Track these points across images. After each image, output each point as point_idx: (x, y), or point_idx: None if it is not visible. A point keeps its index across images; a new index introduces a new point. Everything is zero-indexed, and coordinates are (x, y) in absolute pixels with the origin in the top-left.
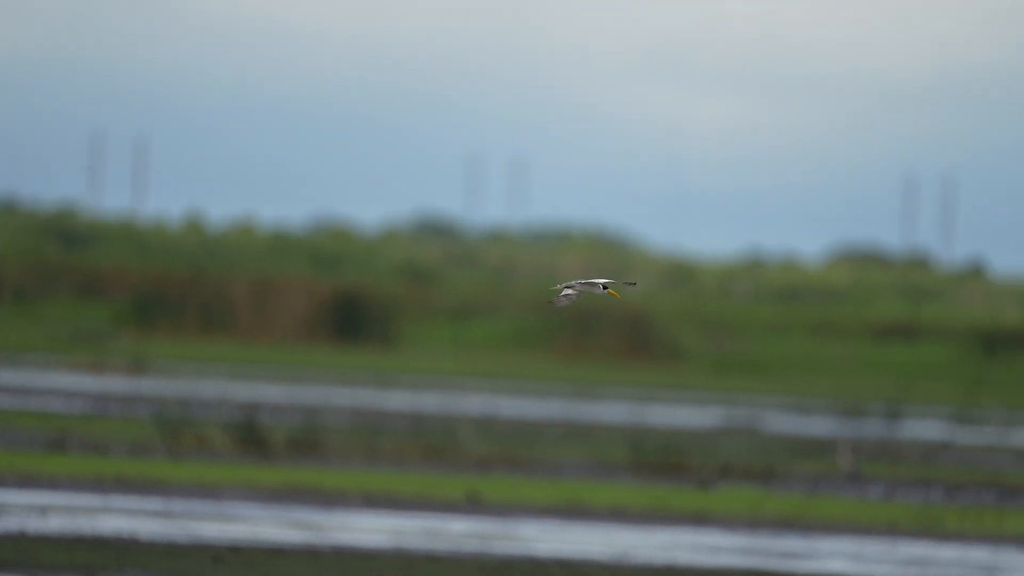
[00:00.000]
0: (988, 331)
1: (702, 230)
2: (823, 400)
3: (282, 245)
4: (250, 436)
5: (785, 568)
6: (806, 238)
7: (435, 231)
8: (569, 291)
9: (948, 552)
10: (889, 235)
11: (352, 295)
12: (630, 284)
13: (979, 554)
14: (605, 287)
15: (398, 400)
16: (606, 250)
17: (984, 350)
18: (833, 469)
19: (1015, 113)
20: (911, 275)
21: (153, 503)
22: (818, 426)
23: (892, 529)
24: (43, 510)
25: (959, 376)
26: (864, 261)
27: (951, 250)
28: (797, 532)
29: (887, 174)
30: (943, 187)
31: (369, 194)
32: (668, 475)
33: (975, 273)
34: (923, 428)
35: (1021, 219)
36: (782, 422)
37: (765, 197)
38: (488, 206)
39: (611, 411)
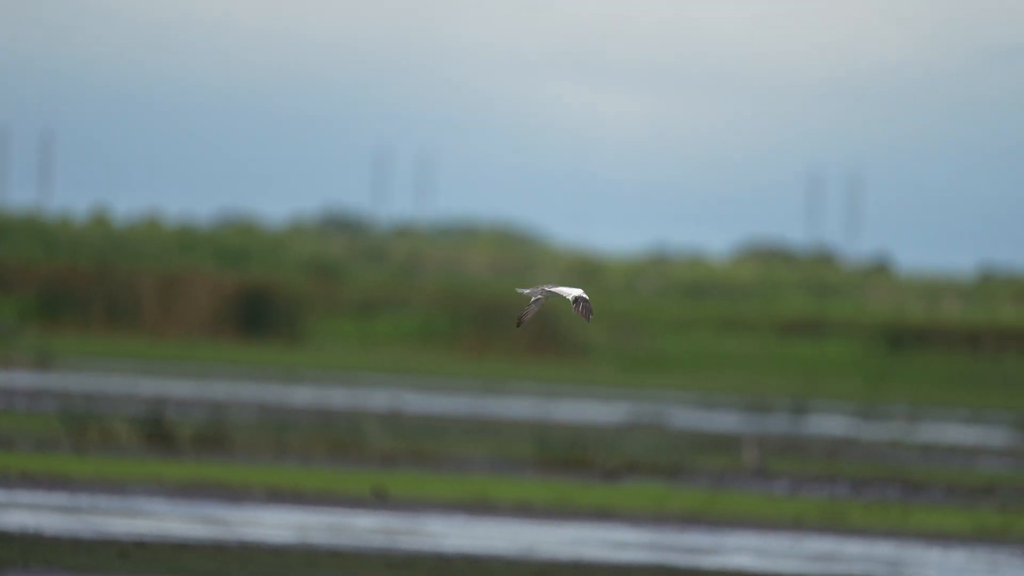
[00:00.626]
0: (893, 327)
1: (608, 225)
2: (729, 396)
3: (188, 240)
4: (156, 431)
5: (690, 563)
6: (712, 234)
7: (341, 226)
8: (537, 296)
9: (853, 547)
10: (795, 231)
11: (258, 290)
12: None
13: (884, 549)
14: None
15: (304, 395)
16: (512, 245)
17: (889, 346)
18: (738, 464)
19: (920, 109)
20: (816, 271)
21: (58, 498)
22: (724, 422)
23: (797, 524)
24: None
25: (864, 372)
26: (770, 257)
27: (856, 246)
28: (702, 527)
29: (793, 170)
30: (848, 183)
31: (275, 189)
32: (574, 471)
33: (880, 269)
34: (828, 424)
35: (926, 215)
36: (688, 418)
37: (671, 193)
38: (395, 201)
39: (517, 407)
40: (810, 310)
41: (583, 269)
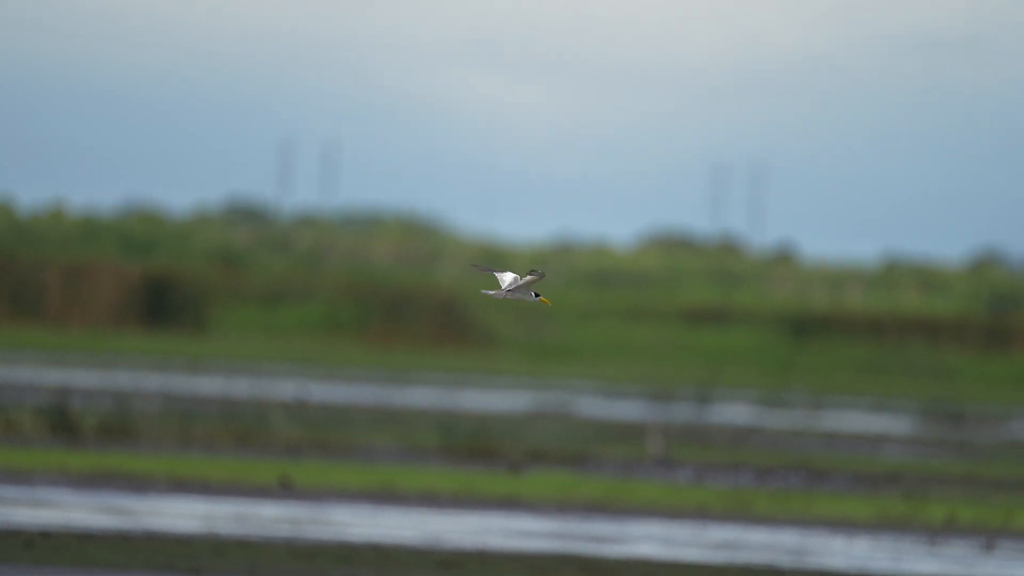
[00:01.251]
0: (797, 316)
1: (513, 215)
2: (634, 385)
3: (93, 230)
4: (61, 421)
5: (595, 552)
6: (617, 223)
7: (246, 216)
8: (503, 296)
9: (757, 535)
10: (699, 220)
11: (163, 280)
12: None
13: (788, 537)
14: (537, 295)
15: (209, 385)
16: (418, 234)
17: (793, 334)
18: (643, 453)
19: (823, 100)
20: (721, 260)
21: None
22: (629, 410)
23: (702, 512)
24: None
25: (768, 360)
26: (674, 246)
27: (760, 235)
28: (607, 516)
29: (697, 160)
30: (752, 173)
31: (180, 179)
32: (479, 460)
33: (784, 258)
34: (733, 412)
35: (829, 205)
36: (593, 406)
37: (576, 183)
38: (299, 191)
39: (423, 396)
40: (714, 299)
41: (488, 258)
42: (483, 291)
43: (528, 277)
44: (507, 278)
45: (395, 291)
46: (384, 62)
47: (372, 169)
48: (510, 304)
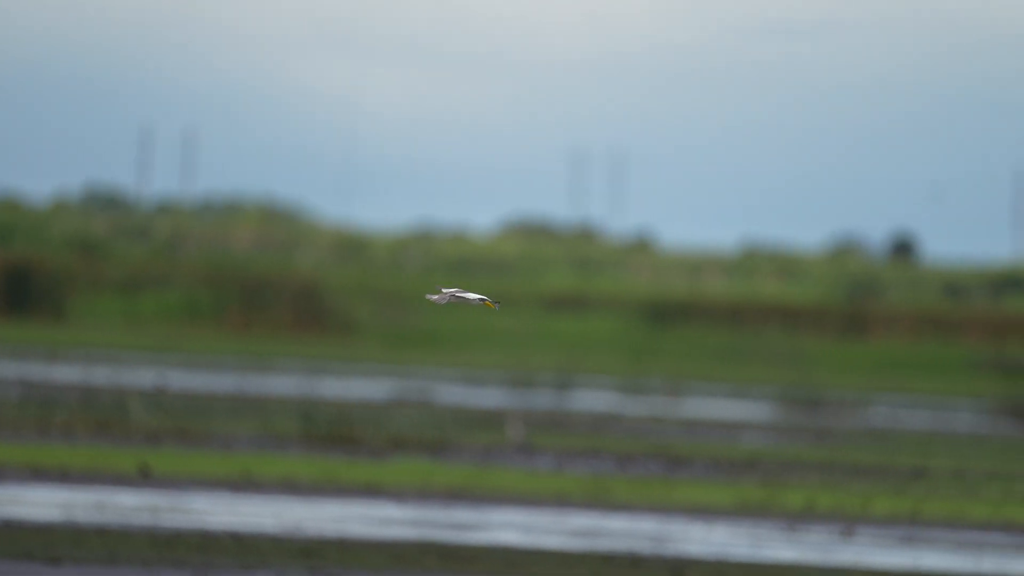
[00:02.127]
0: (656, 302)
1: (373, 202)
2: (493, 372)
3: None
4: None
5: (456, 539)
6: (477, 210)
7: (105, 203)
8: (445, 293)
9: (617, 522)
10: (558, 207)
11: (21, 267)
12: (496, 303)
13: (648, 524)
14: (481, 299)
15: (68, 373)
16: (277, 222)
17: (652, 321)
18: (503, 440)
19: (682, 88)
20: (580, 247)
21: None
22: (489, 398)
23: (562, 500)
24: None
25: (627, 347)
26: (534, 233)
27: (619, 222)
28: (468, 503)
29: (556, 146)
30: (611, 160)
31: (39, 166)
32: (339, 447)
33: (643, 245)
34: (592, 399)
35: (688, 192)
36: (453, 394)
37: (435, 170)
38: (158, 178)
39: (282, 384)
40: (574, 286)
41: (348, 246)
42: (428, 296)
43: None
44: (470, 296)
45: (254, 278)
46: (243, 49)
47: (231, 156)
48: (369, 291)
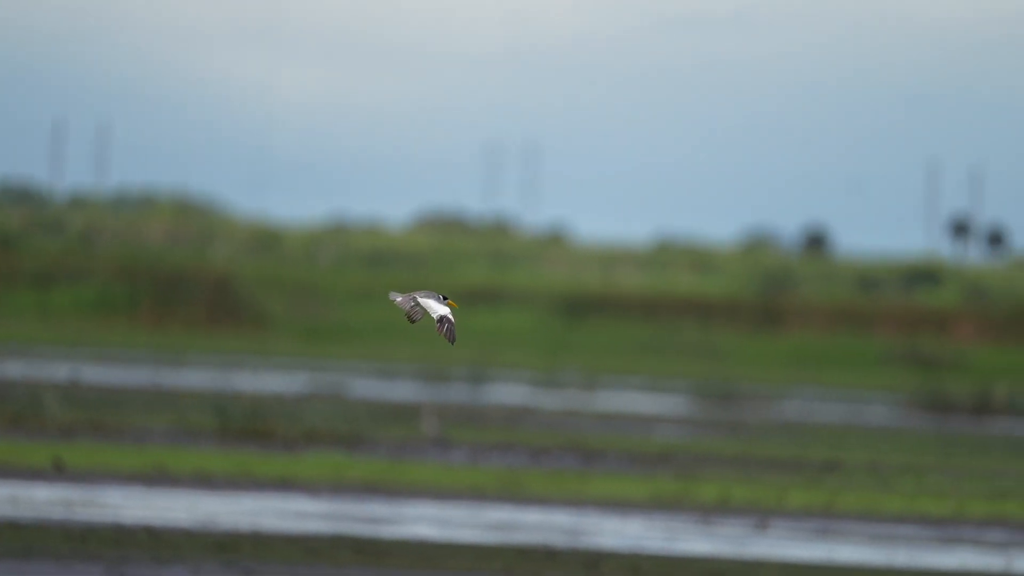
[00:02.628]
0: (570, 296)
1: (287, 196)
2: (408, 365)
3: None
4: None
5: (370, 533)
6: (391, 203)
7: (18, 197)
8: (411, 305)
9: (532, 516)
10: (472, 200)
11: None
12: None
13: (562, 517)
14: (444, 297)
15: None
16: (191, 215)
17: (566, 315)
18: (418, 434)
19: (596, 81)
20: (494, 240)
21: None
22: (403, 391)
23: (476, 493)
24: None
25: (542, 341)
26: (448, 226)
27: (534, 215)
28: (382, 497)
29: (470, 140)
30: (525, 153)
31: None
32: (253, 441)
33: (557, 239)
34: (507, 392)
35: (602, 185)
36: (367, 387)
37: (349, 163)
38: (72, 172)
39: (196, 377)
40: (488, 279)
41: (262, 239)
42: (391, 295)
43: (433, 301)
44: (430, 300)
45: (168, 272)
46: (157, 42)
47: (145, 150)
48: (283, 284)
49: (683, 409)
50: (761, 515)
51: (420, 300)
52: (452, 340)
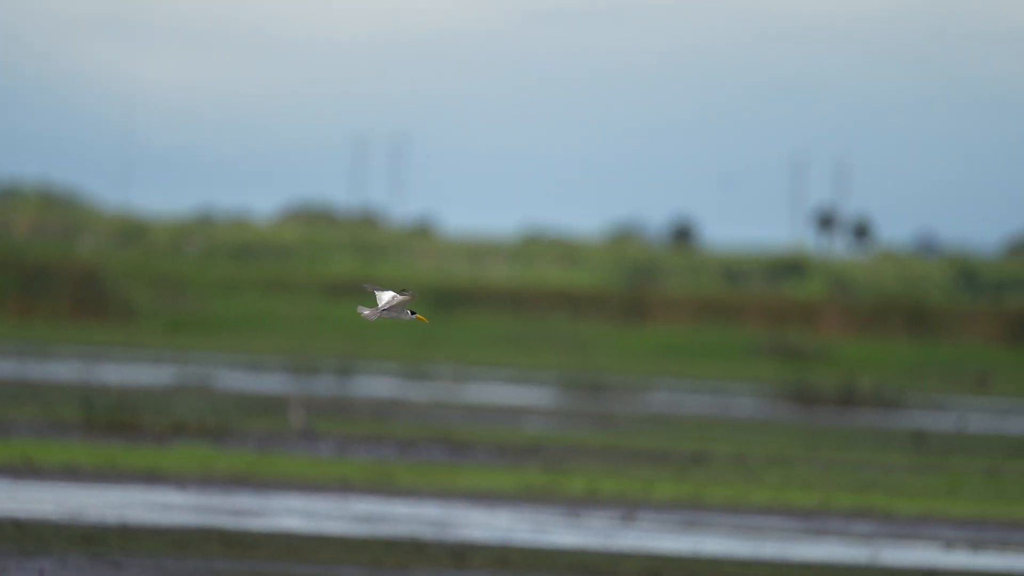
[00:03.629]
0: (438, 288)
1: (154, 188)
2: (276, 357)
3: None
4: None
5: (237, 525)
6: (258, 195)
7: None
8: (377, 311)
9: (400, 508)
10: (340, 192)
11: None
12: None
13: (430, 509)
14: (413, 312)
15: None
16: (56, 207)
17: (434, 307)
18: (285, 426)
19: (463, 73)
20: (362, 232)
21: None
22: (271, 383)
23: (344, 485)
24: None
25: (410, 333)
26: (315, 218)
27: (402, 208)
28: (250, 489)
29: (338, 132)
30: (393, 146)
31: None
32: (120, 433)
33: (425, 231)
34: (375, 385)
35: (470, 178)
36: (235, 379)
37: (217, 155)
38: None
39: (63, 369)
40: (356, 271)
41: (128, 231)
42: (359, 308)
43: (400, 297)
44: (385, 296)
45: (33, 264)
46: (18, 33)
47: (8, 141)
48: (151, 277)
49: (551, 401)
50: (628, 507)
51: (386, 311)
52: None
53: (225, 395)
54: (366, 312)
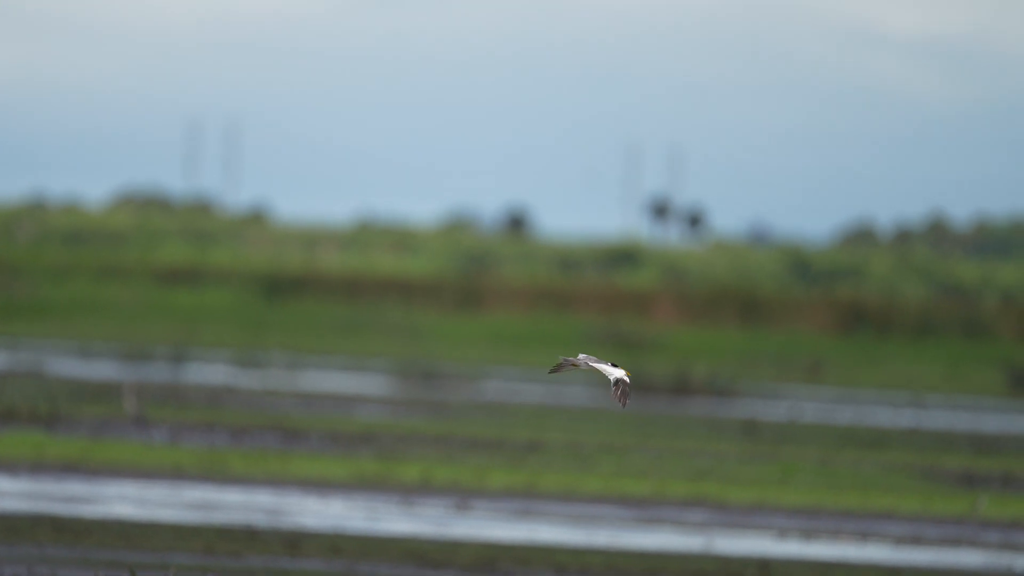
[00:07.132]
0: (271, 275)
1: None
2: (108, 344)
3: None
4: None
5: (69, 512)
6: (90, 181)
7: None
8: (574, 362)
9: (233, 495)
10: (173, 178)
11: None
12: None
13: (263, 497)
14: (615, 364)
15: None
16: None
17: (267, 294)
18: (118, 413)
19: (298, 60)
20: (194, 219)
21: None
22: (103, 370)
23: (177, 473)
24: None
25: (243, 320)
26: (148, 204)
27: (235, 194)
28: (81, 476)
29: (171, 117)
30: (226, 132)
31: None
32: None
33: (258, 218)
34: (208, 372)
35: (304, 165)
36: (66, 366)
37: (48, 139)
38: None
39: None
40: (188, 258)
41: None
42: (563, 358)
43: (613, 370)
44: (602, 364)
45: None
46: None
47: None
48: None
49: (385, 389)
50: (462, 495)
51: (592, 364)
52: (624, 404)
53: (57, 381)
54: (572, 361)
